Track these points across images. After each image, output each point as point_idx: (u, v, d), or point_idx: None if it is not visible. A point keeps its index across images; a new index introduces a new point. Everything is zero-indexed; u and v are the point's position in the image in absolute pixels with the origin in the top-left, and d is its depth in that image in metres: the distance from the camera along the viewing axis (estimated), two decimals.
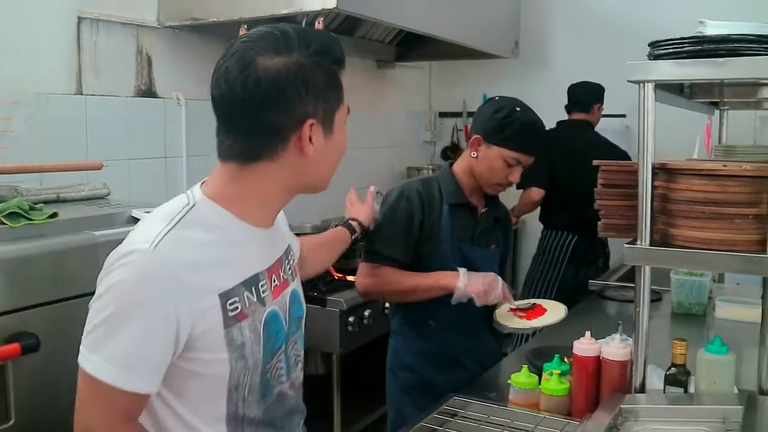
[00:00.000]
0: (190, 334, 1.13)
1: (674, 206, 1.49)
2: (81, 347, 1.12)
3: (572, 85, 4.04)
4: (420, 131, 5.32)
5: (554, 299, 3.72)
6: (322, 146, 1.21)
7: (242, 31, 2.96)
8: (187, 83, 3.27)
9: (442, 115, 5.38)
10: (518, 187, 3.95)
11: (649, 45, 1.49)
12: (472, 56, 4.43)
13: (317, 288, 3.11)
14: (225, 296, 1.16)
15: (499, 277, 2.11)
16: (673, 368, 1.56)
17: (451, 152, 5.24)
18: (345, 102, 1.26)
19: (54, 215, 1.78)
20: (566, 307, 2.14)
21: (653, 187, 1.49)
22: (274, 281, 1.28)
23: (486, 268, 2.14)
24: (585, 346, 1.66)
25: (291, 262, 1.40)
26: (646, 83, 1.43)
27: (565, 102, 4.06)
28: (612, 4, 4.43)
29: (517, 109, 2.13)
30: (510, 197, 4.15)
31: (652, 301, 2.84)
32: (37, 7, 2.68)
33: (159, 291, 1.09)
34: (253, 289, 1.22)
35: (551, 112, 4.15)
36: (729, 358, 1.54)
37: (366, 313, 3.13)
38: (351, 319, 3.06)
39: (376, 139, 4.76)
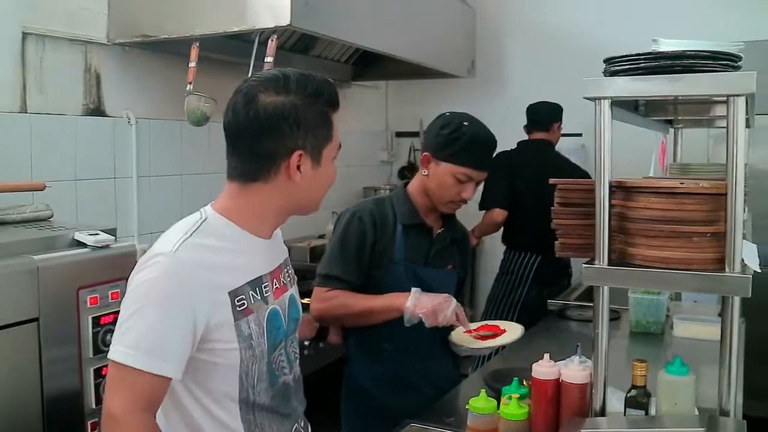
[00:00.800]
0: (206, 326, 1.32)
1: (632, 225, 1.46)
2: (111, 344, 1.30)
3: (531, 105, 4.06)
4: (377, 151, 5.29)
5: (517, 319, 3.74)
6: (309, 175, 1.42)
7: (194, 49, 2.90)
8: (138, 101, 3.19)
9: (399, 134, 5.36)
10: (480, 208, 3.96)
11: (604, 61, 1.47)
12: (428, 75, 4.42)
13: None
14: (234, 294, 1.37)
15: (452, 298, 2.04)
16: (633, 390, 1.52)
17: (408, 172, 5.22)
18: (336, 139, 1.46)
19: None
20: (523, 327, 2.11)
21: (611, 206, 1.46)
22: (275, 284, 1.49)
23: (442, 289, 2.08)
24: (544, 369, 1.62)
25: (289, 271, 1.61)
26: (602, 100, 1.41)
27: (523, 121, 4.07)
28: (567, 23, 4.47)
29: (465, 123, 2.09)
30: (471, 217, 4.16)
31: (611, 320, 2.86)
32: None
33: (179, 287, 1.30)
34: (257, 289, 1.43)
35: (509, 131, 4.14)
36: (689, 379, 1.51)
37: None
38: (306, 343, 2.99)
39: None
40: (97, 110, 3.06)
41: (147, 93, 3.21)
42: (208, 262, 1.36)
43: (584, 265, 1.47)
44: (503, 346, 2.13)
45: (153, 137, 3.23)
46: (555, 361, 1.68)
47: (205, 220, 1.42)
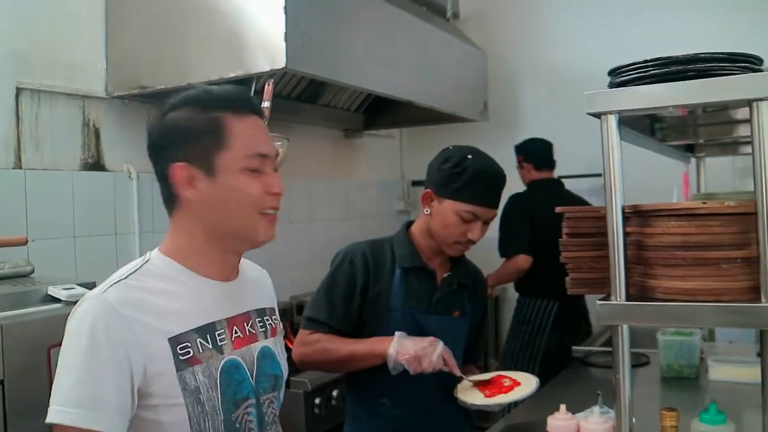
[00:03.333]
0: (143, 375, 1.17)
1: (651, 254, 1.30)
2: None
3: (531, 142, 3.94)
4: (393, 201, 5.16)
5: (540, 371, 3.52)
6: (207, 190, 1.25)
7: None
8: (139, 155, 3.05)
9: (415, 183, 5.23)
10: (502, 255, 3.77)
11: (609, 73, 1.33)
12: (441, 120, 4.32)
13: None
14: (175, 340, 1.21)
15: (439, 341, 1.85)
16: None
17: None
18: (239, 147, 1.26)
19: None
20: (538, 380, 1.90)
21: (625, 234, 1.30)
22: (236, 333, 1.32)
23: (448, 338, 1.91)
24: (560, 422, 1.45)
25: (268, 321, 1.42)
26: (608, 115, 1.26)
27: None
28: (578, 63, 4.35)
29: (469, 156, 1.93)
30: (492, 264, 4.00)
31: (640, 365, 2.67)
32: None
33: (107, 331, 1.15)
34: (207, 336, 1.26)
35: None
36: (728, 429, 1.33)
37: (334, 393, 2.90)
38: (317, 400, 2.83)
39: (348, 211, 4.60)
40: (96, 165, 2.98)
41: None
42: (145, 304, 1.20)
43: (599, 302, 1.30)
44: (516, 402, 1.92)
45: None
46: (575, 413, 1.51)
47: (147, 261, 1.29)
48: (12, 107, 2.67)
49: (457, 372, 1.86)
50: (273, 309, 1.48)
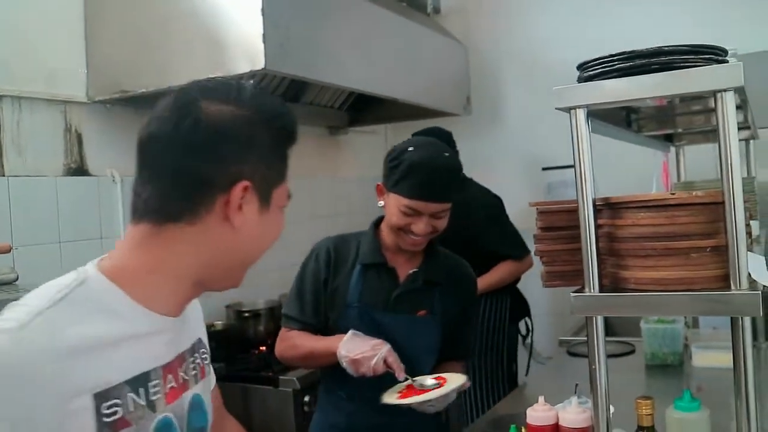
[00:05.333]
0: None
1: (622, 245, 1.31)
2: None
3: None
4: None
5: (507, 364, 3.50)
6: (253, 221, 1.05)
7: None
8: (122, 159, 3.09)
9: None
10: (516, 257, 3.48)
11: (577, 68, 1.34)
12: (425, 116, 4.31)
13: (269, 368, 2.89)
14: (101, 397, 0.94)
15: (385, 346, 1.79)
16: None
17: None
18: (287, 183, 1.12)
19: None
20: (466, 377, 1.83)
21: (597, 226, 1.32)
22: (170, 382, 1.06)
23: (410, 338, 1.89)
24: (540, 414, 1.47)
25: (197, 359, 1.17)
26: (576, 109, 1.28)
27: (523, 154, 3.92)
28: (559, 55, 4.35)
29: (410, 149, 1.87)
30: None
31: (625, 354, 2.70)
32: None
33: (11, 387, 0.88)
34: (140, 390, 0.99)
35: (506, 166, 4.06)
36: (701, 415, 1.35)
37: None
38: (306, 398, 2.84)
39: (334, 207, 4.60)
40: (79, 170, 2.98)
41: (131, 150, 3.11)
42: (69, 348, 0.92)
43: (573, 294, 1.32)
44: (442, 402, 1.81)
45: None
46: (556, 404, 1.53)
47: (81, 283, 0.99)
48: None
49: (401, 376, 1.79)
50: (200, 341, 1.22)
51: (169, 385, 1.05)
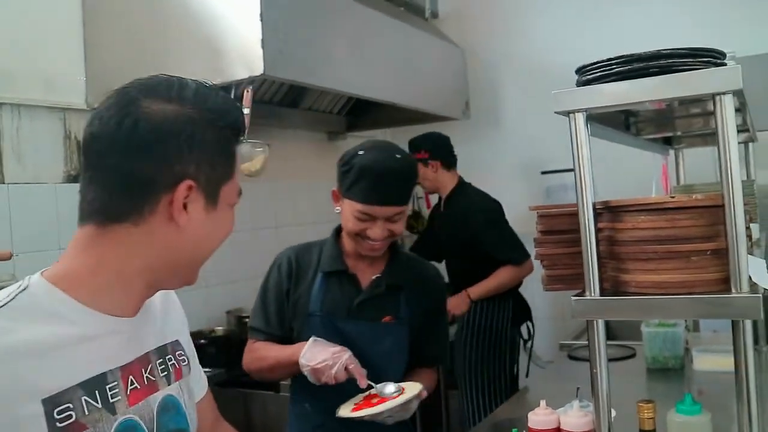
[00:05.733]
0: None
1: (623, 249, 1.31)
2: None
3: (433, 138, 3.80)
4: None
5: (510, 367, 3.50)
6: (200, 220, 1.03)
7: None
8: None
9: None
10: (516, 262, 3.48)
11: (576, 72, 1.34)
12: (423, 121, 4.32)
13: None
14: (52, 402, 0.92)
15: (345, 353, 1.75)
16: None
17: (414, 221, 5.07)
18: (236, 179, 1.09)
19: None
20: (422, 386, 1.78)
21: (597, 230, 1.32)
22: (132, 384, 1.03)
23: (374, 345, 1.86)
24: (541, 417, 1.46)
25: (171, 361, 1.15)
26: (575, 113, 1.28)
27: (520, 157, 3.93)
28: (557, 58, 4.36)
29: (360, 152, 1.84)
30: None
31: (626, 357, 2.69)
32: None
33: None
34: (97, 392, 0.97)
35: (505, 170, 4.06)
36: (703, 419, 1.35)
37: None
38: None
39: (333, 214, 4.57)
40: (79, 177, 2.97)
41: None
42: (11, 353, 0.91)
43: (573, 298, 1.32)
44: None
45: None
46: (558, 407, 1.52)
47: (23, 290, 0.98)
48: None
49: (364, 383, 1.75)
50: (177, 342, 1.20)
51: (131, 387, 1.03)
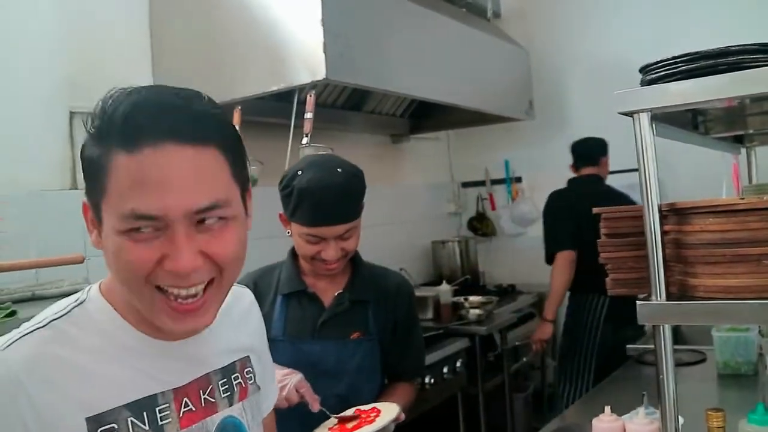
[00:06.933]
0: None
1: (690, 252, 1.28)
2: None
3: (577, 142, 3.90)
4: (443, 203, 5.15)
5: (596, 368, 3.48)
6: (98, 243, 0.94)
7: (237, 113, 2.88)
8: None
9: (465, 185, 5.21)
10: (548, 262, 3.74)
11: (640, 71, 1.31)
12: (487, 121, 4.31)
13: None
14: (96, 420, 0.90)
15: (295, 375, 1.68)
16: None
17: (478, 222, 5.06)
18: (113, 199, 0.89)
19: (12, 314, 1.65)
20: (399, 407, 1.69)
21: (663, 232, 1.28)
22: (186, 406, 1.00)
23: (344, 364, 1.80)
24: (605, 424, 1.43)
25: (237, 380, 1.11)
26: (639, 113, 1.25)
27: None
28: (623, 57, 4.28)
29: (298, 173, 1.75)
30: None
31: (696, 363, 2.62)
32: (27, 104, 2.63)
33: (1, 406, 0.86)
34: (145, 414, 0.95)
35: (570, 170, 4.00)
36: None
37: None
38: None
39: (397, 215, 4.59)
40: None
41: None
42: (62, 365, 0.90)
43: (639, 302, 1.29)
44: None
45: None
46: (624, 413, 1.49)
47: (81, 303, 0.97)
48: (66, 131, 2.76)
49: (316, 407, 1.67)
50: (247, 359, 1.16)
51: (185, 409, 1.01)
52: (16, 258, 2.38)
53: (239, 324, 1.16)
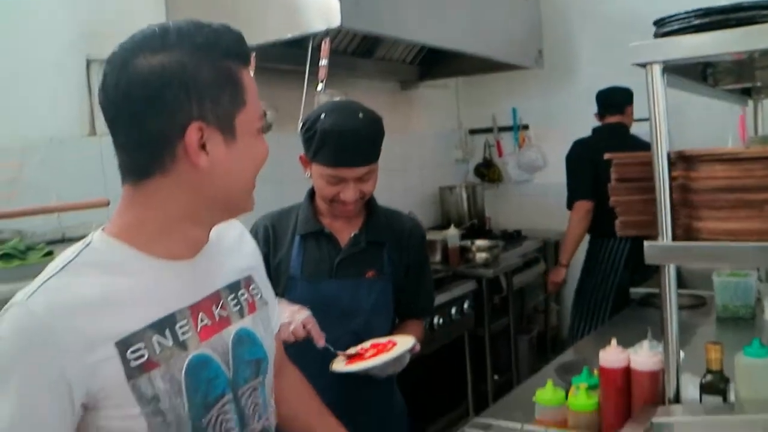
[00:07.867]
0: (88, 393, 0.97)
1: (696, 197, 1.35)
2: None
3: (602, 90, 3.91)
4: (451, 150, 5.20)
5: (612, 310, 3.59)
6: (222, 156, 1.04)
7: (252, 60, 2.92)
8: None
9: (473, 132, 5.26)
10: (569, 208, 3.81)
11: (654, 23, 1.37)
12: (495, 69, 4.33)
13: None
14: (124, 343, 0.99)
15: (305, 312, 1.73)
16: (708, 375, 1.42)
17: (485, 169, 5.12)
18: (253, 104, 1.08)
19: (48, 254, 1.74)
20: (414, 339, 1.76)
21: (671, 178, 1.36)
22: (203, 320, 1.10)
23: (358, 302, 1.87)
24: (611, 356, 1.52)
25: (244, 295, 1.21)
26: (652, 65, 1.31)
27: (594, 107, 3.92)
28: (634, 8, 4.29)
29: (322, 116, 1.80)
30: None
31: (696, 306, 2.71)
32: (45, 52, 2.68)
33: (32, 349, 0.94)
34: (167, 331, 1.04)
35: (582, 118, 4.04)
36: None
37: None
38: None
39: (406, 161, 4.66)
40: None
41: None
42: (82, 304, 0.98)
43: (646, 243, 1.37)
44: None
45: None
46: (626, 348, 1.59)
47: (86, 246, 1.05)
48: (84, 79, 2.81)
49: (321, 343, 1.73)
50: (250, 278, 1.25)
51: (202, 323, 1.09)
52: (37, 204, 2.45)
53: (233, 249, 1.24)
